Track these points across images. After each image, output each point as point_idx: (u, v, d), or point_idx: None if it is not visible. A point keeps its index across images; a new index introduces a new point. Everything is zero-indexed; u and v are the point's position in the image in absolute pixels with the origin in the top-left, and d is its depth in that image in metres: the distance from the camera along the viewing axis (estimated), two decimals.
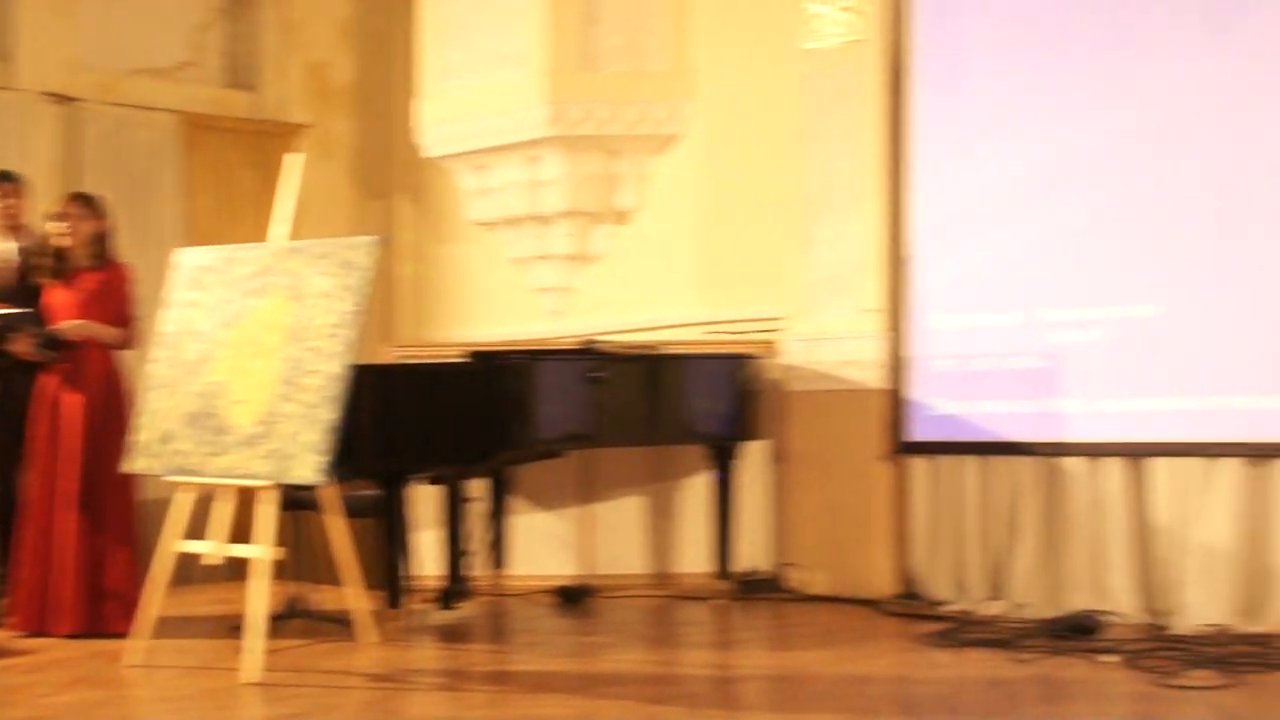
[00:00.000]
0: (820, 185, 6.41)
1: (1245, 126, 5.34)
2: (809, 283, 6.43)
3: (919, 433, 6.12)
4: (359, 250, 4.92)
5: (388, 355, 6.98)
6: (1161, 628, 5.34)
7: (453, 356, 6.02)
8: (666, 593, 6.43)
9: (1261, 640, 5.02)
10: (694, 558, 6.55)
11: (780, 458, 6.49)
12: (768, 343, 6.53)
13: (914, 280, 6.17)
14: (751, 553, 6.47)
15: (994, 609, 5.72)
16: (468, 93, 7.31)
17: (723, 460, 6.36)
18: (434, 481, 5.75)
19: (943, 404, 6.06)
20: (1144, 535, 5.55)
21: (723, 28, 6.97)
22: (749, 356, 6.40)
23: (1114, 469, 5.61)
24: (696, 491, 6.59)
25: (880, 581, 6.12)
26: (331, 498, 5.12)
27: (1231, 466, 5.34)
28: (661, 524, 6.69)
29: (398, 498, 5.59)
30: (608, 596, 6.28)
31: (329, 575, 5.37)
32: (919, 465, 6.14)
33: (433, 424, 5.47)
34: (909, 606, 5.90)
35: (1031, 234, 5.84)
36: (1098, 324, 5.64)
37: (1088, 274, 5.69)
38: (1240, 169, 5.35)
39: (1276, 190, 5.26)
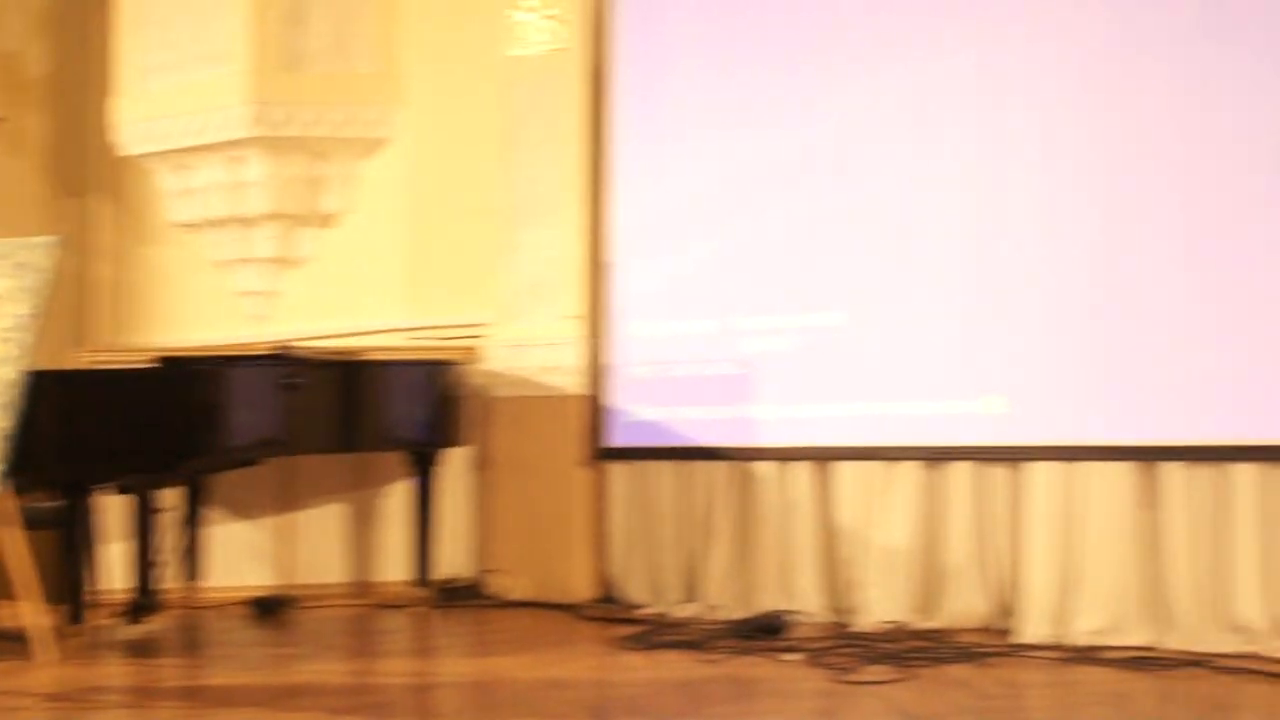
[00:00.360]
0: (524, 192, 6.46)
1: (922, 143, 5.58)
2: (512, 289, 6.47)
3: (618, 438, 6.22)
4: (37, 251, 4.75)
5: (79, 360, 6.73)
6: (844, 625, 5.55)
7: (143, 362, 5.84)
8: (366, 601, 6.38)
9: (935, 635, 5.26)
10: (395, 566, 6.50)
11: (482, 464, 6.50)
12: (471, 349, 6.54)
13: (614, 287, 6.26)
14: (453, 560, 6.47)
15: (688, 611, 5.84)
16: (168, 90, 7.12)
17: (423, 467, 6.33)
18: (122, 491, 5.56)
19: (641, 410, 6.16)
20: (829, 536, 5.76)
21: (430, 32, 6.95)
22: (451, 363, 6.39)
23: (802, 473, 5.81)
24: (398, 499, 6.54)
25: (579, 586, 6.20)
26: (7, 508, 4.90)
27: (909, 469, 5.59)
28: (362, 532, 6.62)
29: (81, 508, 5.40)
30: (306, 607, 6.19)
31: (5, 590, 5.14)
32: (618, 471, 6.24)
33: (117, 432, 5.29)
34: (606, 610, 5.98)
35: (727, 243, 5.99)
36: (788, 332, 5.83)
37: (779, 282, 5.86)
38: (916, 183, 5.59)
39: (950, 204, 5.52)
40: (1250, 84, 4.99)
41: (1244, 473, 4.97)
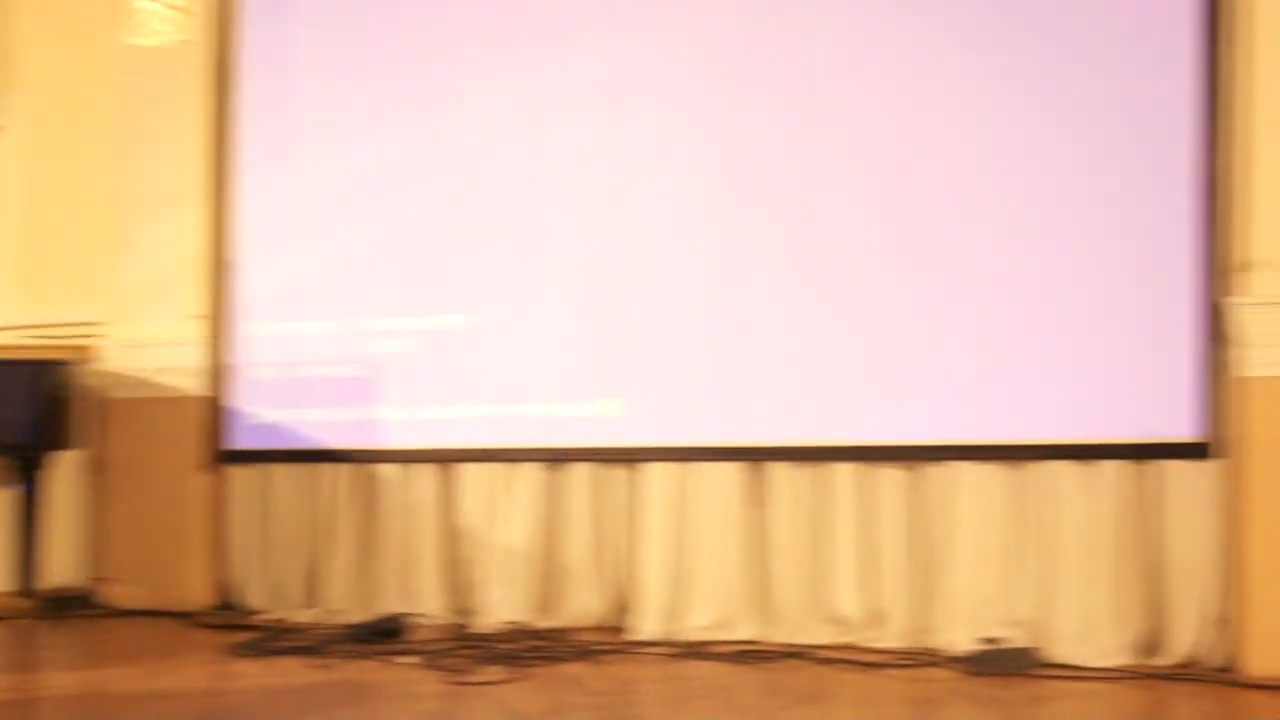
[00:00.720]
0: (143, 186, 6.24)
1: (545, 146, 5.64)
2: (130, 287, 6.24)
3: (241, 441, 6.07)
4: None
5: None
6: (465, 627, 5.56)
7: None
8: None
9: (553, 635, 5.34)
10: None
11: (97, 468, 6.24)
12: (86, 348, 6.26)
13: (238, 287, 6.12)
14: (62, 568, 6.19)
15: (307, 616, 5.77)
16: None
17: (29, 471, 6.00)
18: None
19: (265, 412, 6.04)
20: (452, 538, 5.78)
21: (48, 15, 6.64)
22: (60, 362, 6.08)
23: (426, 475, 5.81)
24: (1, 506, 6.21)
25: (197, 593, 6.03)
26: None
27: (531, 471, 5.66)
28: None
29: None
30: None
31: None
32: (239, 474, 6.10)
33: None
34: (225, 617, 5.83)
35: (354, 242, 5.93)
36: (412, 333, 5.80)
37: (405, 284, 5.84)
38: (539, 186, 5.65)
39: (571, 207, 5.59)
40: (857, 93, 5.22)
41: (842, 472, 5.22)
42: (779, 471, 5.31)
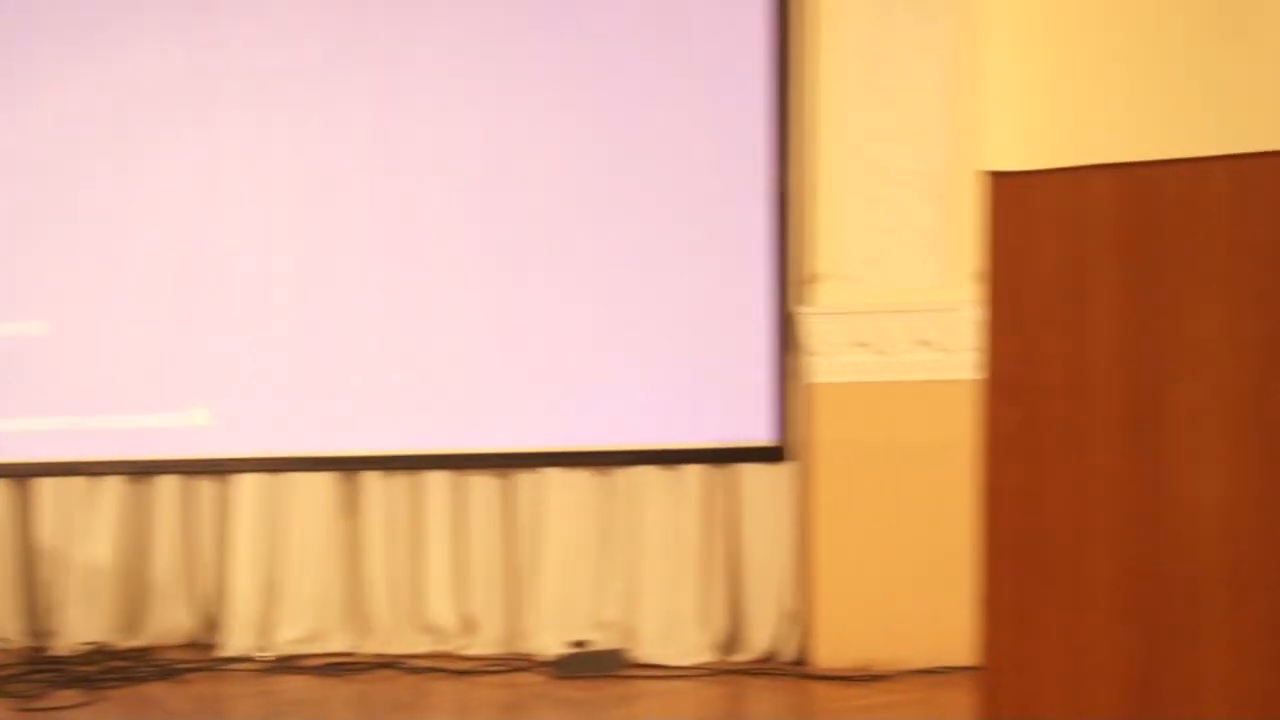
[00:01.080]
0: None
1: (129, 146, 5.41)
2: None
3: None
4: None
5: None
6: (42, 650, 5.31)
7: None
8: None
9: (136, 654, 5.15)
10: None
11: None
12: None
13: None
14: None
15: None
16: None
17: None
18: None
19: None
20: (29, 558, 5.49)
21: None
22: None
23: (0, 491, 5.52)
24: None
25: None
26: None
27: (114, 484, 5.44)
28: None
29: None
30: None
31: None
32: None
33: None
34: None
35: None
36: None
37: None
38: (123, 188, 5.41)
39: (158, 210, 5.38)
40: (452, 95, 5.20)
41: (436, 480, 5.22)
42: (372, 481, 5.27)
